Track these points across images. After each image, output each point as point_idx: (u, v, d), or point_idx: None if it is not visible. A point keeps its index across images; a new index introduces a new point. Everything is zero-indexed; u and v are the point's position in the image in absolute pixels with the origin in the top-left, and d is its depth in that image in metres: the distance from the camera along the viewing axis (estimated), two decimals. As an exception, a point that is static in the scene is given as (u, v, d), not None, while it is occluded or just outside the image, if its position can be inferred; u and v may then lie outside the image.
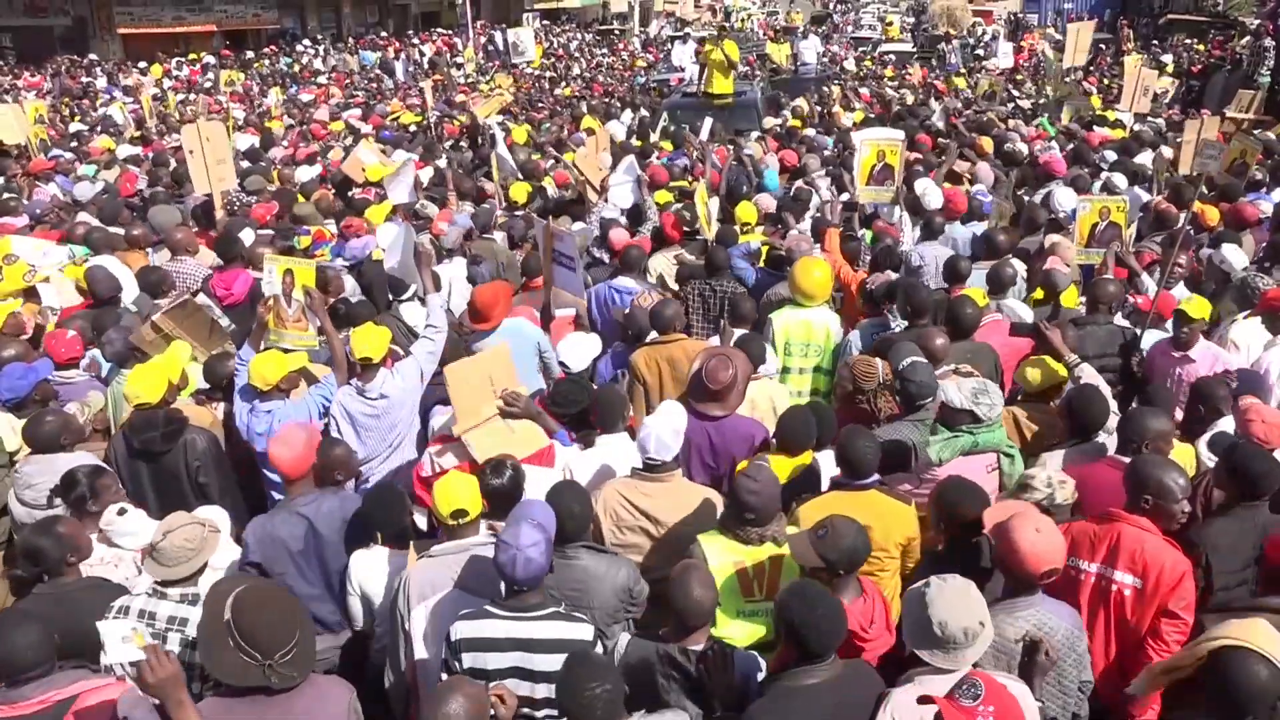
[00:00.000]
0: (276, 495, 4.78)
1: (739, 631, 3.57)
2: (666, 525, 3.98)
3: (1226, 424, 4.55)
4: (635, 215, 8.25)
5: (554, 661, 3.14)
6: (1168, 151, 10.18)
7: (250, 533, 3.99)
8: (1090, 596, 3.52)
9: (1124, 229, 6.79)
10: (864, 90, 18.81)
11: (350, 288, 6.63)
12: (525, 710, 3.27)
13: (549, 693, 3.17)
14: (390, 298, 6.45)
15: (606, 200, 8.65)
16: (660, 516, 3.98)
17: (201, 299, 6.26)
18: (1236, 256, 6.53)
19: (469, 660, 3.23)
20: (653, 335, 5.57)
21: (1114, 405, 4.68)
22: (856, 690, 2.97)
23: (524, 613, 3.21)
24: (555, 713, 3.17)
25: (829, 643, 2.91)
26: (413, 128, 15.29)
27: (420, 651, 3.58)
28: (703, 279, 6.59)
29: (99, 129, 15.77)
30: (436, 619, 3.51)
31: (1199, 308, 5.31)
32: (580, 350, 5.18)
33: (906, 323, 5.63)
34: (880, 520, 3.79)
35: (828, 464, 4.42)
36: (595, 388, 5.04)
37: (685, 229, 7.56)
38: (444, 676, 3.27)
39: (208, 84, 23.47)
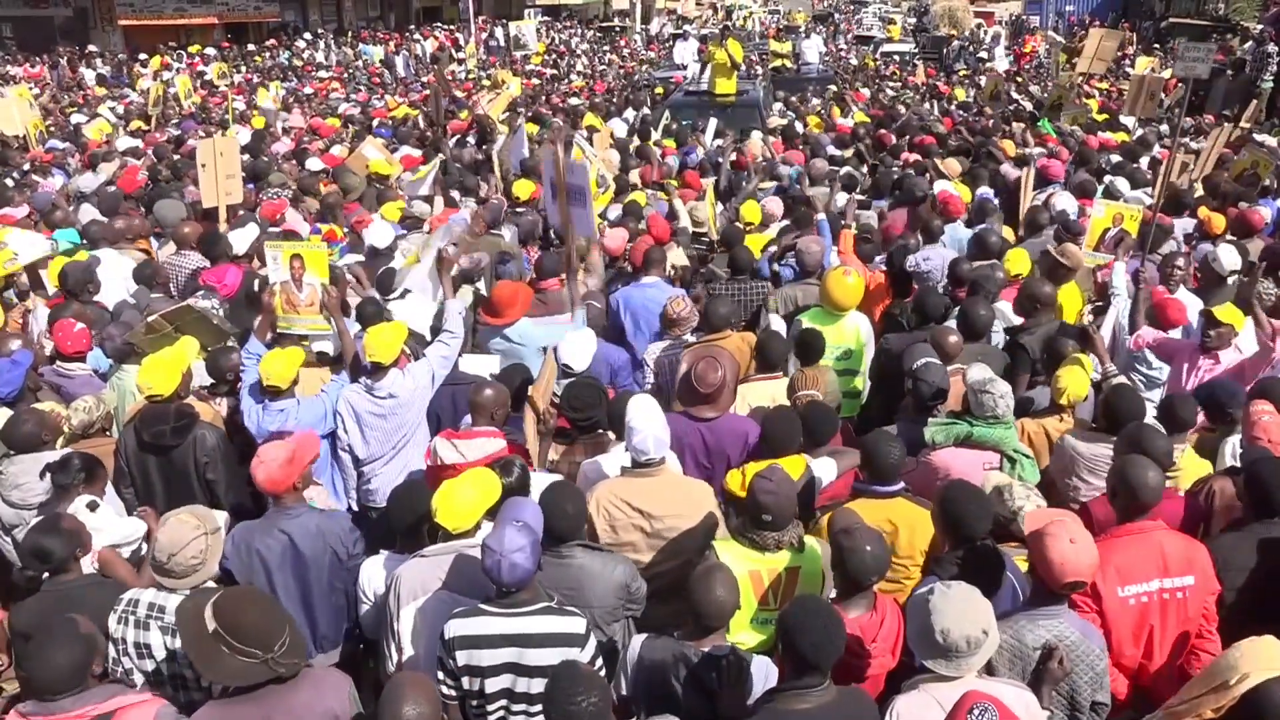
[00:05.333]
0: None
1: (750, 639, 3.57)
2: (659, 518, 3.98)
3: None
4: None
5: (548, 656, 3.17)
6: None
7: (230, 540, 3.92)
8: (1159, 613, 3.49)
9: (1133, 236, 6.81)
10: (863, 90, 18.83)
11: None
12: (521, 706, 3.28)
13: (543, 688, 3.16)
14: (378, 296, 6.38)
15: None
16: (653, 510, 3.98)
17: (201, 302, 6.22)
18: (1230, 257, 6.54)
19: (463, 658, 3.23)
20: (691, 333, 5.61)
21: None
22: (849, 718, 2.93)
23: (516, 608, 3.22)
24: None
25: (823, 658, 2.84)
26: (410, 122, 15.24)
27: (410, 651, 3.58)
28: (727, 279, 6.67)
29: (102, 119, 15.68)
30: (426, 619, 3.51)
31: (1231, 314, 5.29)
32: (582, 350, 5.11)
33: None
34: (908, 527, 3.78)
35: (826, 469, 4.42)
36: (610, 393, 4.97)
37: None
38: (439, 674, 3.28)
39: (208, 75, 23.41)
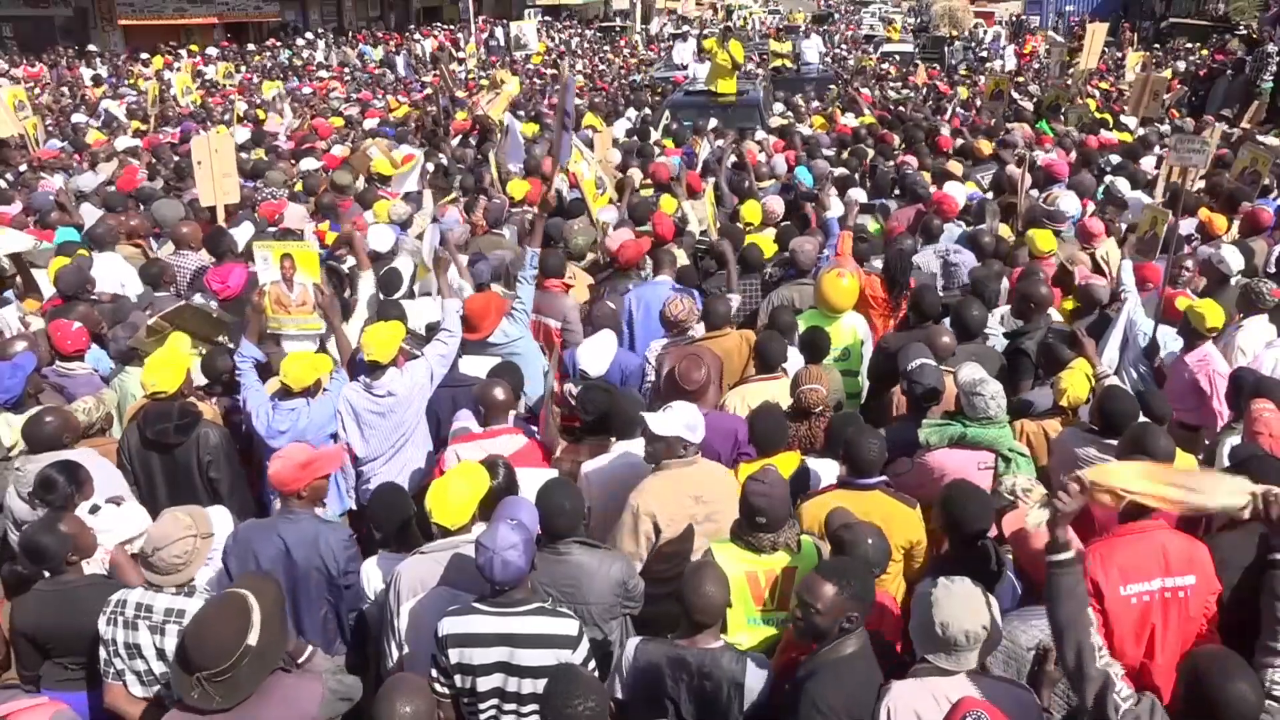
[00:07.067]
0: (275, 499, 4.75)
1: (748, 639, 3.58)
2: (709, 503, 4.03)
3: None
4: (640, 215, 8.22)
5: (539, 657, 3.19)
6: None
7: (233, 536, 3.96)
8: (1161, 612, 3.48)
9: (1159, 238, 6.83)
10: (865, 91, 18.82)
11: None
12: (512, 706, 3.29)
13: (534, 688, 3.20)
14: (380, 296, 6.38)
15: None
16: (705, 496, 4.04)
17: (197, 298, 6.21)
18: (1234, 258, 6.55)
19: (455, 655, 3.25)
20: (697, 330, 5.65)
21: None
22: (877, 660, 3.10)
23: (509, 608, 3.23)
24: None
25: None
26: (410, 122, 15.25)
27: (408, 646, 3.60)
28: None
29: (100, 123, 15.66)
30: (424, 615, 3.53)
31: (1211, 309, 5.32)
32: (600, 356, 5.09)
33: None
34: (884, 521, 3.78)
35: (828, 470, 4.43)
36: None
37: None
38: (432, 672, 3.29)
39: (209, 75, 23.43)
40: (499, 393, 4.67)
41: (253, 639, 2.87)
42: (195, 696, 2.82)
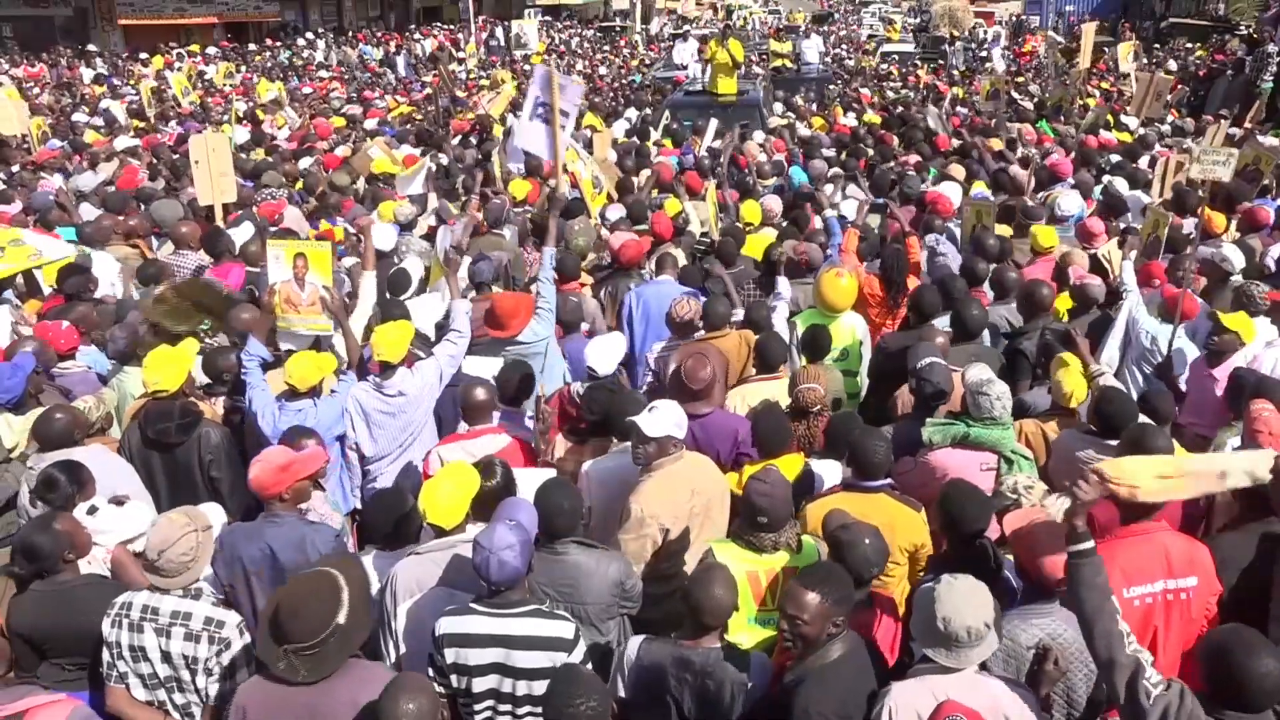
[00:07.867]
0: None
1: (748, 639, 3.57)
2: (702, 494, 4.06)
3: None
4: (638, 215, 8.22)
5: (534, 658, 3.20)
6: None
7: (218, 542, 3.89)
8: (1163, 614, 3.48)
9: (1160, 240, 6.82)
10: (865, 91, 18.84)
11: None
12: (507, 707, 3.29)
13: (530, 690, 3.20)
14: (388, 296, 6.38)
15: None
16: (699, 486, 4.08)
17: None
18: (1236, 257, 6.54)
19: (451, 656, 3.25)
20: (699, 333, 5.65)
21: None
22: (866, 659, 3.11)
23: (506, 609, 3.23)
24: (536, 709, 3.21)
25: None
26: (411, 122, 15.26)
27: (405, 647, 3.60)
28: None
29: (100, 121, 15.64)
30: (422, 615, 3.52)
31: (1240, 323, 5.27)
32: (608, 354, 5.05)
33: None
34: (888, 524, 3.78)
35: (831, 472, 4.42)
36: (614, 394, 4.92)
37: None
38: (429, 671, 3.30)
39: (209, 75, 23.42)
40: (480, 393, 4.68)
41: (342, 618, 2.99)
42: (281, 667, 2.94)
